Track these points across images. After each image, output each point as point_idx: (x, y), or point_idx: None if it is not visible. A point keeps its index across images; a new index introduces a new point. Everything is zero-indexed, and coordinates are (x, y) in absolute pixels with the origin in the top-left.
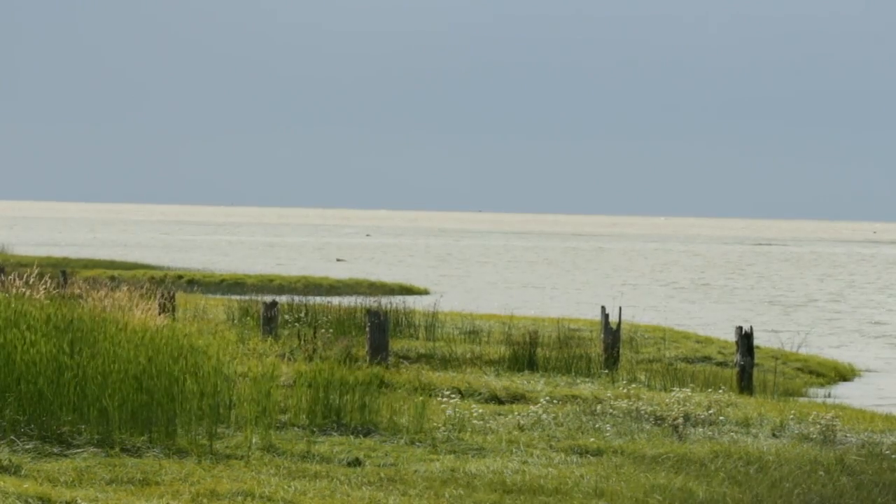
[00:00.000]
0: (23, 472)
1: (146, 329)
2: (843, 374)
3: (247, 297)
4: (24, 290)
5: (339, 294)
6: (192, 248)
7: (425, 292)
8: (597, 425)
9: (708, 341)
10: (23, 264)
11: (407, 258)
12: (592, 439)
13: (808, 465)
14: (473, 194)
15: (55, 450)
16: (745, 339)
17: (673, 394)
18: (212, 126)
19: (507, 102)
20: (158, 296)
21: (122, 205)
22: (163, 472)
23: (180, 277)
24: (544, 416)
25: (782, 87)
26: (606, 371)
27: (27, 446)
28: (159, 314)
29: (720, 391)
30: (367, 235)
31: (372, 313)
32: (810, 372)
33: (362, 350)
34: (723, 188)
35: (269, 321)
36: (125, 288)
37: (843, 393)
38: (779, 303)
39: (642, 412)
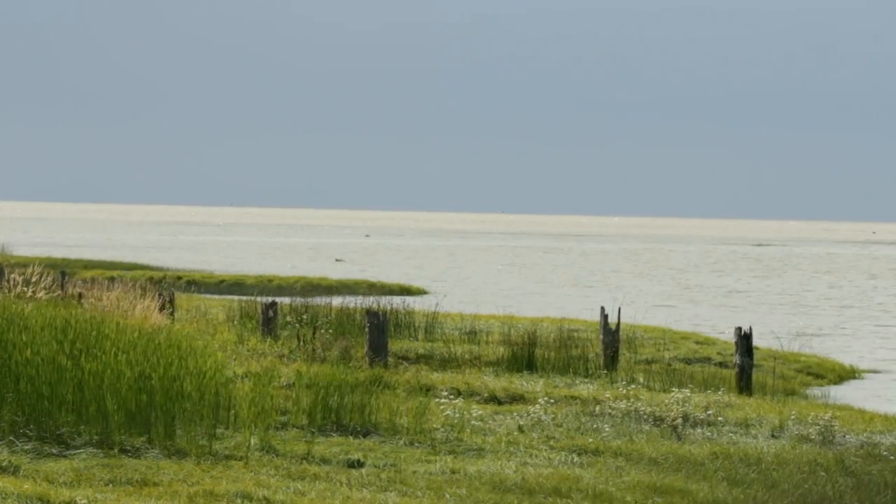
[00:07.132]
0: (21, 473)
1: (145, 329)
2: (843, 375)
3: (246, 298)
4: (24, 289)
5: (339, 294)
6: (192, 248)
7: (425, 292)
8: (596, 426)
9: (708, 342)
10: (23, 265)
11: (406, 259)
12: (591, 440)
13: (807, 466)
14: (476, 195)
15: (54, 450)
16: (745, 340)
17: (672, 394)
18: (211, 127)
19: (510, 103)
20: (158, 296)
21: (122, 205)
22: (161, 473)
23: (179, 278)
24: (543, 416)
25: (782, 86)
26: (605, 372)
27: (26, 447)
28: (159, 314)
29: (719, 392)
30: (367, 236)
31: (371, 314)
32: (810, 373)
33: (361, 350)
34: (722, 188)
35: (269, 322)
36: (125, 288)
37: (843, 394)
38: (778, 303)
39: (641, 413)
